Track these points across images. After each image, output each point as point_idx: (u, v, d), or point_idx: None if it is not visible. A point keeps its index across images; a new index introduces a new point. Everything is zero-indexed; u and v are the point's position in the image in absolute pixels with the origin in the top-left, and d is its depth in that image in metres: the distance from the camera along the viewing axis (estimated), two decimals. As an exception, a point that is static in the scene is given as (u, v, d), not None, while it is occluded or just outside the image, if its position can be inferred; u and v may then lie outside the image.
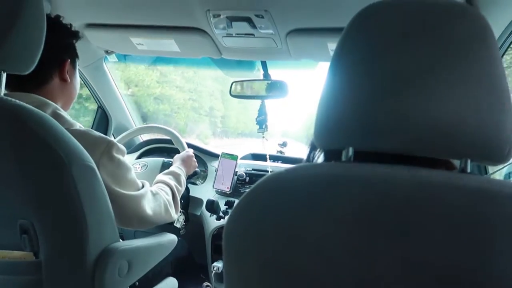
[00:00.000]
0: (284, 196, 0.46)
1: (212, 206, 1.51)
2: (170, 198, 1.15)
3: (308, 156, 0.59)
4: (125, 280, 0.90)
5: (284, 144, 1.96)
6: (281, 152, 1.98)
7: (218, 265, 1.53)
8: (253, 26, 1.17)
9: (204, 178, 1.81)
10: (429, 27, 0.43)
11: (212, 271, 1.53)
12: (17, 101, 0.75)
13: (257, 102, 1.61)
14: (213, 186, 1.72)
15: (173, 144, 1.65)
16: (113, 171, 0.94)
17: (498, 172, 1.13)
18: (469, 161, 0.43)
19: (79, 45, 1.06)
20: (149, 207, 1.03)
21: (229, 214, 0.50)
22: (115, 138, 1.86)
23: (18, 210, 0.79)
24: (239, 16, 1.13)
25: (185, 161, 1.43)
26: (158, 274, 1.29)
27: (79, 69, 1.09)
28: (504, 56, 1.06)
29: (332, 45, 1.22)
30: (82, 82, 1.69)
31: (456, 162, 0.47)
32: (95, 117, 1.92)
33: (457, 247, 0.37)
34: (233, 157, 1.74)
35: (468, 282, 0.37)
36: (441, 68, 0.41)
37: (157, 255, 1.07)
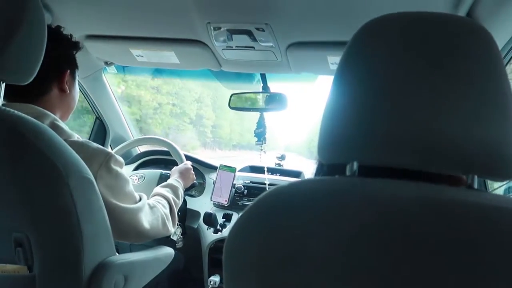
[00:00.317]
0: (286, 212, 0.45)
1: (210, 219, 1.50)
2: (167, 211, 1.14)
3: (317, 171, 0.58)
4: (121, 295, 0.88)
5: (282, 157, 1.96)
6: (279, 165, 1.97)
7: (215, 279, 1.51)
8: (254, 39, 1.17)
9: (202, 190, 1.80)
10: (433, 42, 0.43)
11: (209, 286, 1.50)
12: (16, 111, 0.74)
13: (255, 113, 1.61)
14: (211, 198, 1.70)
15: (170, 155, 1.64)
16: (111, 183, 0.93)
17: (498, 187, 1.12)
18: (476, 177, 0.42)
19: (78, 56, 1.06)
20: (146, 220, 1.01)
21: (230, 229, 0.49)
22: (112, 149, 1.85)
23: (13, 223, 0.78)
24: (240, 29, 1.13)
25: (183, 174, 1.42)
26: (154, 288, 1.27)
27: (78, 80, 1.08)
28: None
29: (332, 59, 1.23)
30: (81, 92, 1.68)
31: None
32: (93, 127, 1.91)
33: (468, 265, 0.36)
34: (232, 170, 1.73)
35: None
36: (446, 82, 0.41)
37: (154, 269, 1.05)
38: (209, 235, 1.59)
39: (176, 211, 1.20)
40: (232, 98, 1.55)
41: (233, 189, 1.71)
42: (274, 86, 1.51)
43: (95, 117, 1.88)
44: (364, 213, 0.40)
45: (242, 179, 1.77)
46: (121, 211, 0.94)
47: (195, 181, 1.50)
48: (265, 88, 1.53)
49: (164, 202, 1.16)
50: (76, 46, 1.04)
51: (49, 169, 0.73)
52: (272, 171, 1.87)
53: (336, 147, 0.46)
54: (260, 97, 1.53)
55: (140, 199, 1.03)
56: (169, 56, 1.38)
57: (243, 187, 1.71)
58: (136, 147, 2.00)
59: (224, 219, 1.58)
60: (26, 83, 0.79)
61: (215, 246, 1.59)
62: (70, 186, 0.74)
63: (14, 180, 0.73)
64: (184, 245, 1.55)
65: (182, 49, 1.32)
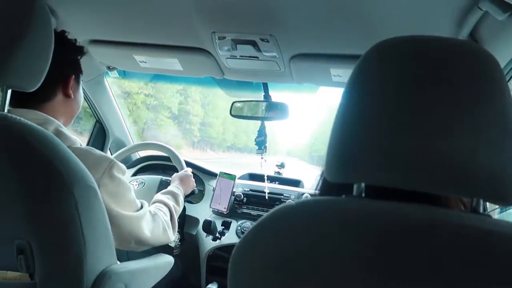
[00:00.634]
0: (293, 230, 0.45)
1: (209, 227, 1.50)
2: (168, 219, 1.14)
3: (321, 188, 0.58)
4: (121, 303, 0.88)
5: (282, 165, 1.97)
6: (278, 173, 1.98)
7: (213, 287, 1.51)
8: (258, 49, 1.18)
9: (201, 197, 1.80)
10: (442, 67, 0.43)
11: (207, 293, 1.50)
12: (21, 118, 0.74)
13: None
14: (210, 205, 1.70)
15: (170, 161, 1.64)
16: (113, 191, 0.93)
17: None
18: (481, 201, 0.43)
19: (82, 60, 1.06)
20: (147, 228, 1.01)
21: (238, 241, 0.50)
22: (112, 154, 1.85)
23: (16, 230, 0.77)
24: (245, 39, 1.14)
25: (183, 181, 1.42)
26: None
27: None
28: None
29: (334, 71, 1.23)
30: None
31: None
32: (92, 131, 1.90)
33: None
34: (231, 177, 1.73)
35: None
36: (455, 107, 0.42)
37: (154, 277, 1.05)
38: (208, 243, 1.59)
39: (176, 218, 1.20)
40: (233, 106, 1.56)
41: (233, 197, 1.71)
42: (276, 95, 1.52)
43: (95, 120, 1.88)
44: (373, 235, 0.41)
45: (241, 186, 1.77)
46: (122, 219, 0.94)
47: (195, 188, 1.50)
48: (267, 97, 1.54)
49: (165, 209, 1.16)
50: (80, 51, 1.04)
51: (55, 177, 0.72)
52: (271, 179, 1.87)
53: (345, 166, 0.46)
54: (262, 105, 1.54)
55: (142, 207, 1.03)
56: (172, 63, 1.38)
57: (242, 195, 1.72)
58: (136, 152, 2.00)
59: (223, 227, 1.58)
60: (32, 90, 0.79)
61: (213, 254, 1.59)
62: (75, 195, 0.74)
63: (19, 188, 0.73)
64: (182, 252, 1.54)
65: (185, 57, 1.33)
